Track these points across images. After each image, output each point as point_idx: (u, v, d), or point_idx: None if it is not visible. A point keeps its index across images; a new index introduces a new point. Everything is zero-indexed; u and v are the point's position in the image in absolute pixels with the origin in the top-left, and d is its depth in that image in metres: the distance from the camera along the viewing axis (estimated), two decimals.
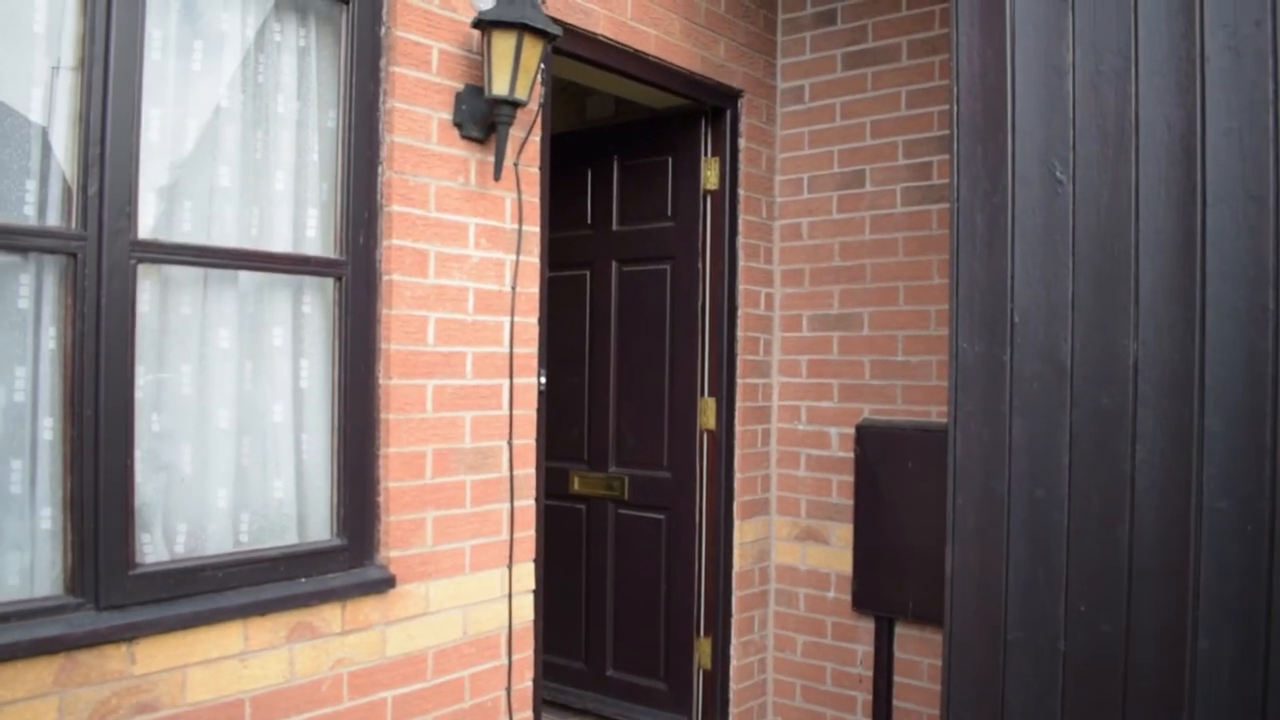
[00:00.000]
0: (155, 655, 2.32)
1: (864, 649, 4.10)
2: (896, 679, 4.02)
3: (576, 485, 4.55)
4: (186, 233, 2.53)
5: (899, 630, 4.01)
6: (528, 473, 3.20)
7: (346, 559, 2.74)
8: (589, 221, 4.55)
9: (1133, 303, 2.23)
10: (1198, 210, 2.16)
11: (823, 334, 4.25)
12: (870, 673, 4.07)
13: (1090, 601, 2.26)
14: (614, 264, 4.46)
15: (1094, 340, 2.28)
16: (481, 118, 2.96)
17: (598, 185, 4.53)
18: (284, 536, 2.68)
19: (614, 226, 4.48)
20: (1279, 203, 2.07)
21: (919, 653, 3.96)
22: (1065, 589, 2.30)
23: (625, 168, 4.46)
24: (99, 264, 2.28)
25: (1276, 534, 2.04)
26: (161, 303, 2.49)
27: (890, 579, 3.91)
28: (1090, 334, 2.28)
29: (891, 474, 3.92)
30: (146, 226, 2.41)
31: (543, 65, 3.04)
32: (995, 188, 2.42)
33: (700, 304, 4.21)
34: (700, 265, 4.22)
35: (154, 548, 2.44)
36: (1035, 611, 2.33)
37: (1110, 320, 2.26)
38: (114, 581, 2.29)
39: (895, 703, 4.02)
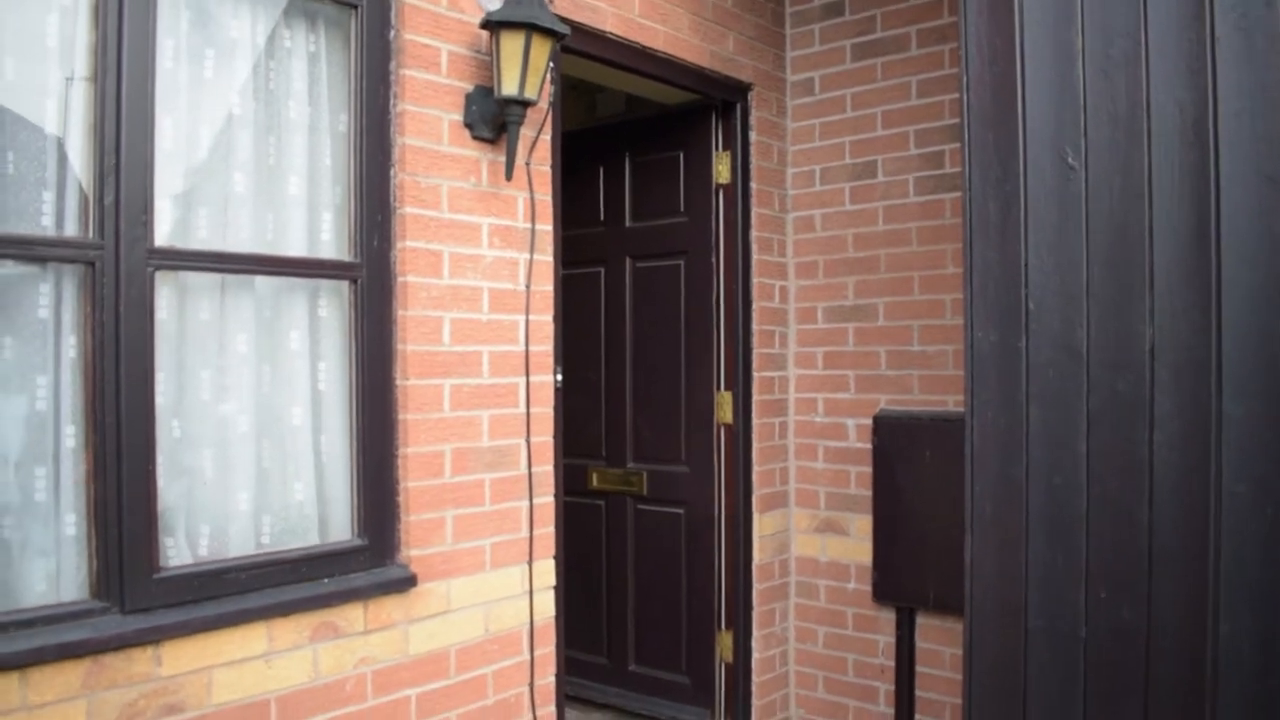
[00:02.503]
0: (181, 657, 2.34)
1: (885, 639, 4.10)
2: (919, 669, 4.02)
3: (595, 481, 4.57)
4: (202, 239, 2.55)
5: (920, 620, 4.01)
6: (546, 470, 3.22)
7: (368, 559, 2.76)
8: (602, 219, 4.56)
9: (1148, 287, 2.22)
10: (1211, 193, 2.15)
11: (838, 325, 4.25)
12: (892, 663, 4.07)
13: (1110, 588, 2.26)
14: (628, 260, 4.47)
15: (1109, 326, 2.27)
16: (492, 118, 2.97)
17: (610, 182, 4.54)
18: (305, 538, 2.71)
19: (627, 223, 4.49)
20: None
21: (941, 642, 3.96)
22: (1085, 576, 2.29)
23: (637, 164, 4.47)
24: (117, 272, 2.31)
25: None
26: (179, 309, 2.51)
27: (910, 569, 3.91)
28: (1105, 320, 2.27)
29: (909, 464, 3.92)
30: (163, 234, 2.43)
31: (551, 64, 3.05)
32: (1007, 175, 2.41)
33: (715, 298, 4.21)
34: (714, 260, 4.22)
35: (177, 551, 2.46)
36: (1055, 599, 2.33)
37: (1125, 305, 2.25)
38: (138, 585, 2.32)
39: (918, 692, 4.02)
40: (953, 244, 3.88)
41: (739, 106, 4.20)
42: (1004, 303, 2.40)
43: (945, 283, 3.94)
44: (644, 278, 4.44)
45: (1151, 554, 2.20)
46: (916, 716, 4.02)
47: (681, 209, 4.31)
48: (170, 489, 2.46)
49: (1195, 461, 2.15)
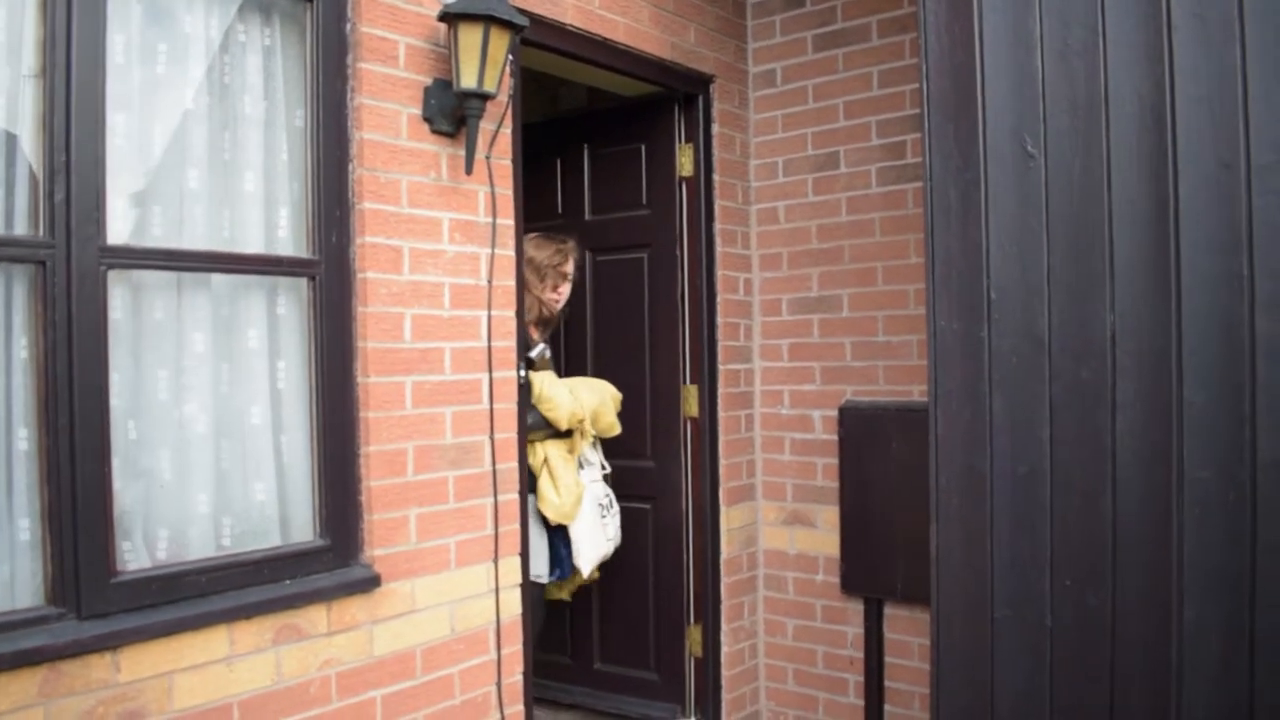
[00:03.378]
0: (140, 662, 2.30)
1: (854, 631, 4.11)
2: (887, 659, 4.03)
3: None
4: (157, 237, 2.51)
5: (888, 611, 4.02)
6: (510, 466, 3.19)
7: (331, 559, 2.72)
8: (560, 211, 4.51)
9: (1108, 274, 2.23)
10: (1170, 179, 2.16)
11: (803, 317, 4.25)
12: (861, 654, 4.08)
13: (1076, 575, 2.26)
14: (588, 254, 4.40)
15: (1071, 313, 2.28)
16: (451, 112, 2.94)
17: (570, 174, 4.50)
18: (267, 539, 2.67)
19: (587, 216, 4.45)
20: (1249, 169, 2.07)
21: (909, 632, 3.97)
22: (1051, 564, 2.30)
23: (598, 156, 4.43)
24: (68, 271, 2.26)
25: (1258, 502, 2.04)
26: (134, 308, 2.46)
27: (877, 560, 3.92)
28: (1067, 307, 2.28)
29: (875, 455, 3.92)
30: (116, 232, 2.39)
31: (511, 57, 3.02)
32: (968, 164, 2.41)
33: (679, 292, 4.20)
34: (678, 252, 4.20)
35: (135, 555, 2.42)
36: (1022, 588, 2.34)
37: (1087, 293, 2.26)
38: (95, 590, 2.27)
39: (887, 683, 4.03)
40: (916, 234, 3.89)
41: (701, 99, 4.18)
42: (966, 292, 2.40)
43: (909, 273, 3.94)
44: (606, 272, 4.40)
45: (1116, 541, 2.21)
46: (886, 707, 4.03)
47: (644, 202, 4.29)
48: (127, 491, 2.41)
49: (1158, 448, 2.16)
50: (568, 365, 4.49)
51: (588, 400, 3.74)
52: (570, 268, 3.85)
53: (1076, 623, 2.27)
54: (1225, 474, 2.08)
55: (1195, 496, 2.12)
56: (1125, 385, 2.20)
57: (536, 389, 3.60)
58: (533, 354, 3.72)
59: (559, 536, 3.70)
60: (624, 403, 4.00)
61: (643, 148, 4.28)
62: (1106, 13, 2.23)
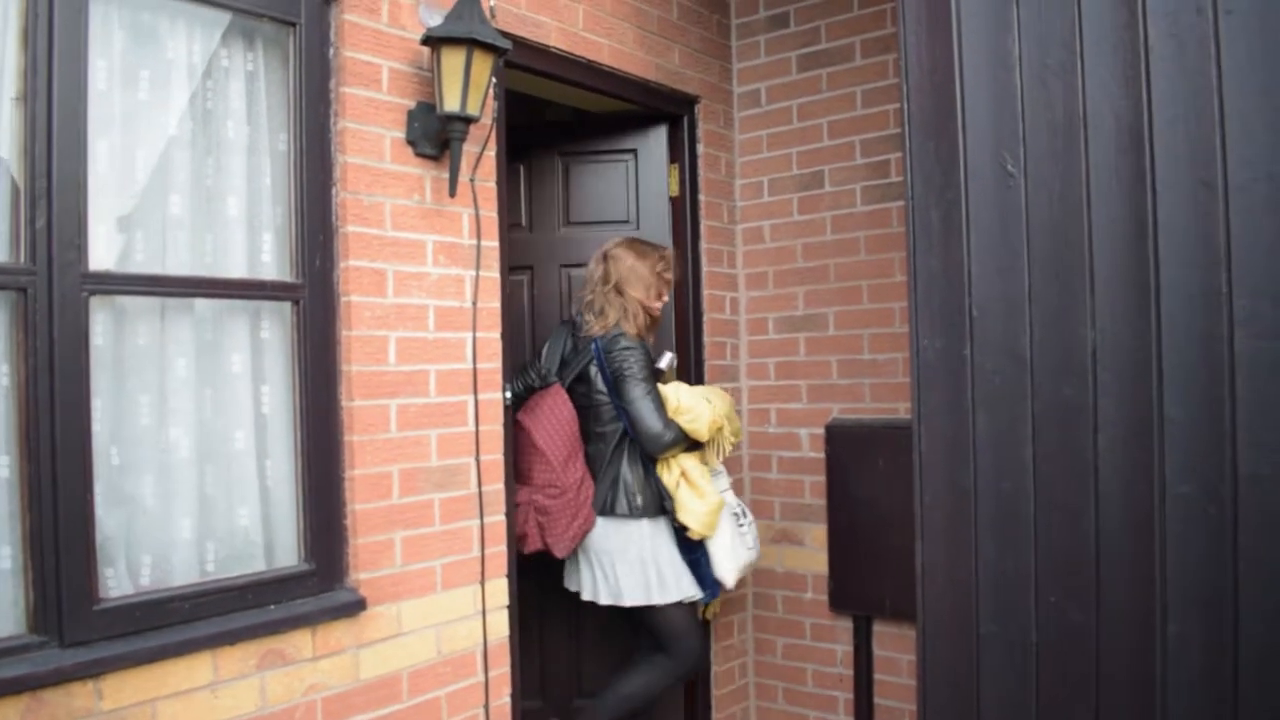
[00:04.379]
0: (123, 690, 2.29)
1: (843, 648, 4.10)
2: (877, 676, 4.03)
3: None
4: (139, 263, 2.51)
5: (877, 628, 4.02)
6: (497, 488, 3.19)
7: (315, 583, 2.71)
8: (525, 224, 4.36)
9: (1088, 292, 2.24)
10: (1148, 197, 2.17)
11: (789, 336, 4.26)
12: (851, 672, 4.08)
13: (1060, 592, 2.26)
14: (560, 270, 4.31)
15: (1052, 331, 2.28)
16: (435, 135, 2.95)
17: (551, 186, 4.37)
18: (251, 564, 2.66)
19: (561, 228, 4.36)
20: (1227, 187, 2.08)
21: (898, 649, 3.97)
22: (1035, 580, 2.30)
23: (582, 171, 4.35)
24: (50, 298, 2.26)
25: (1239, 517, 2.05)
26: (117, 334, 2.46)
27: (865, 577, 3.92)
28: (1048, 325, 2.29)
29: (862, 472, 3.93)
30: (98, 258, 2.39)
31: (494, 79, 3.03)
32: (948, 183, 2.42)
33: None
34: None
35: (118, 582, 2.41)
36: (1006, 604, 2.33)
37: (1067, 310, 2.27)
38: (78, 618, 2.26)
39: (876, 700, 4.03)
40: (900, 252, 3.90)
41: (686, 119, 4.20)
42: (948, 310, 2.41)
43: (894, 291, 3.96)
44: None
45: (1099, 557, 2.22)
46: None
47: (632, 218, 4.27)
48: (109, 518, 2.40)
49: (1139, 464, 2.17)
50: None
51: (720, 407, 3.68)
52: (672, 275, 3.80)
53: (1060, 638, 2.26)
54: (1206, 489, 2.09)
55: (1177, 512, 2.12)
56: (1106, 402, 2.21)
57: (673, 401, 3.57)
58: (662, 364, 3.73)
59: (699, 553, 3.66)
60: None
61: (629, 165, 4.26)
62: (1084, 34, 2.25)
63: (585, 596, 3.67)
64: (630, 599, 3.53)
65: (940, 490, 2.43)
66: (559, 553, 3.50)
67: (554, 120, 4.59)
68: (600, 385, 3.59)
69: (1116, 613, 2.19)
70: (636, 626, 3.74)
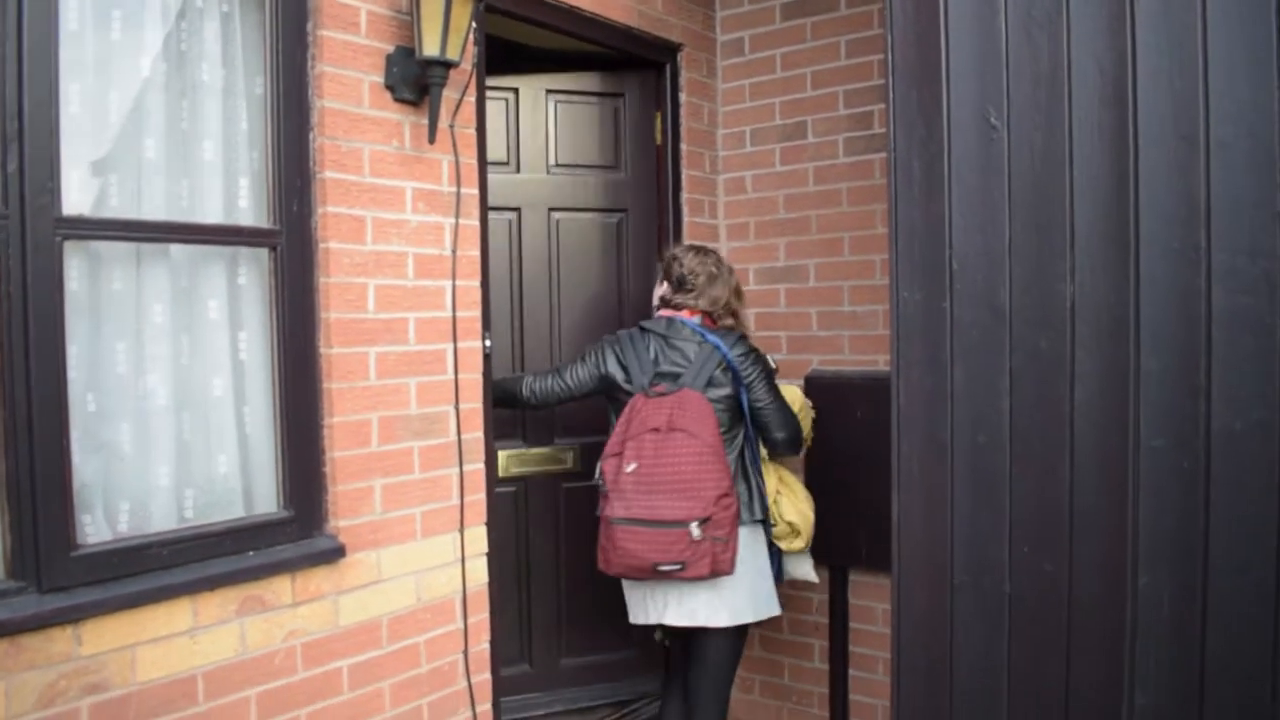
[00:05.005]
0: (102, 636, 2.29)
1: (819, 597, 4.15)
2: (852, 625, 4.08)
3: (509, 467, 4.06)
4: (114, 207, 2.48)
5: (853, 577, 4.06)
6: (476, 436, 3.19)
7: (295, 530, 2.72)
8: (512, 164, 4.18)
9: (1068, 246, 2.24)
10: (1130, 152, 2.17)
11: (770, 287, 4.26)
12: (826, 620, 4.13)
13: (1034, 543, 2.29)
14: (550, 213, 4.18)
15: (1031, 284, 2.29)
16: (414, 80, 2.91)
17: (537, 123, 4.19)
18: (230, 511, 2.66)
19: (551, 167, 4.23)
20: (1208, 143, 2.08)
21: (873, 598, 4.02)
22: (1009, 531, 2.33)
23: (571, 111, 4.22)
24: (23, 242, 2.22)
25: (1211, 470, 2.07)
26: (92, 279, 2.44)
27: (842, 527, 3.94)
28: (1028, 278, 2.30)
29: (840, 423, 3.94)
30: (71, 202, 2.35)
31: (474, 24, 2.99)
32: (931, 135, 2.42)
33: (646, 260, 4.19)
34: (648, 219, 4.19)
35: (96, 528, 2.41)
36: (981, 555, 2.36)
37: (1047, 264, 2.27)
38: (56, 564, 2.26)
39: (851, 648, 4.08)
40: (882, 204, 3.89)
41: (669, 67, 4.16)
42: (928, 262, 2.41)
43: (875, 243, 3.95)
44: (567, 231, 4.23)
45: (1073, 509, 2.24)
46: (850, 672, 4.08)
47: (621, 165, 4.24)
48: (87, 464, 2.39)
49: (1115, 418, 2.19)
50: (524, 335, 4.20)
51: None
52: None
53: (1033, 589, 2.30)
54: (1180, 443, 2.11)
55: (1150, 465, 2.15)
56: (1083, 355, 2.22)
57: (799, 401, 3.63)
58: (773, 361, 3.64)
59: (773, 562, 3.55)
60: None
61: (620, 106, 4.23)
62: None
63: (699, 622, 3.34)
64: (754, 613, 3.39)
65: (917, 442, 2.45)
66: (730, 569, 3.23)
67: (544, 49, 4.26)
68: (728, 388, 3.36)
69: (1088, 564, 2.23)
70: (689, 653, 3.52)
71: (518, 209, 4.12)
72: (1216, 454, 2.07)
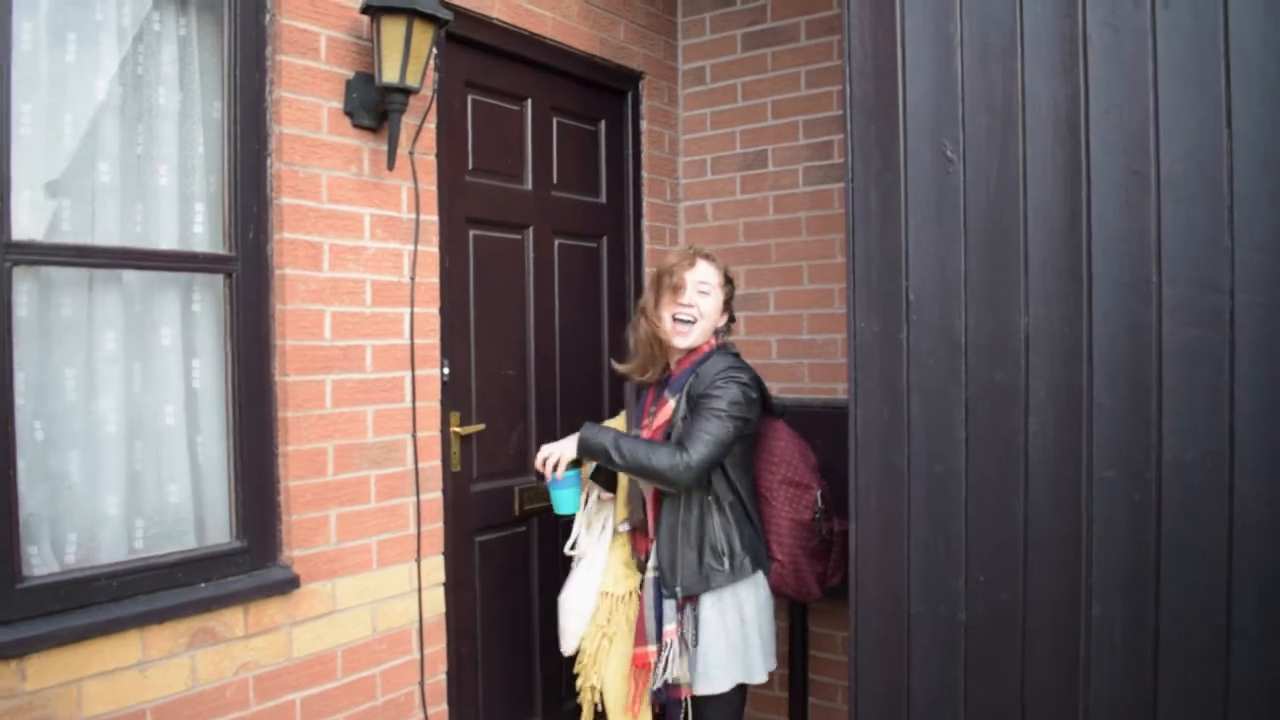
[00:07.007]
0: (47, 670, 2.24)
1: (778, 625, 4.13)
2: (810, 653, 4.07)
3: (522, 505, 3.69)
4: (66, 232, 2.45)
5: (812, 605, 4.05)
6: (433, 465, 3.16)
7: (248, 561, 2.68)
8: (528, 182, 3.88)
9: (1022, 277, 2.26)
10: (1083, 186, 2.20)
11: None
12: (786, 647, 4.11)
13: (989, 572, 2.30)
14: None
15: (986, 315, 2.31)
16: (373, 106, 2.90)
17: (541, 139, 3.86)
18: (181, 541, 2.62)
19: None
20: (1159, 177, 2.11)
21: (832, 626, 4.02)
22: (965, 561, 2.34)
23: (566, 130, 3.93)
24: None
25: (1162, 501, 2.09)
26: (42, 305, 2.40)
27: None
28: (982, 309, 2.32)
29: None
30: (22, 227, 2.32)
31: (435, 50, 2.99)
32: (888, 166, 2.44)
33: (603, 289, 4.18)
34: (610, 247, 4.17)
35: (42, 559, 2.36)
36: (937, 584, 2.37)
37: (1001, 295, 2.29)
38: (0, 597, 2.21)
39: (810, 675, 4.08)
40: (841, 233, 3.91)
41: (630, 95, 4.17)
42: (885, 293, 2.43)
43: (834, 272, 3.98)
44: (566, 257, 4.01)
45: (1027, 539, 2.26)
46: (809, 699, 4.07)
47: (600, 193, 4.19)
48: (33, 494, 2.35)
49: (1068, 448, 2.21)
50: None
51: None
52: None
53: (989, 618, 2.31)
54: (1131, 474, 2.13)
55: (1103, 495, 2.16)
56: (1038, 387, 2.24)
57: None
58: None
59: None
60: (541, 407, 3.87)
61: (599, 129, 4.20)
62: (1024, 20, 2.26)
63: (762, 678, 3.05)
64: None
65: (874, 471, 2.46)
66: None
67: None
68: None
69: (1043, 593, 2.24)
70: None
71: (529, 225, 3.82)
72: (1168, 484, 2.09)
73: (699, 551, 2.87)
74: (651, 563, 2.91)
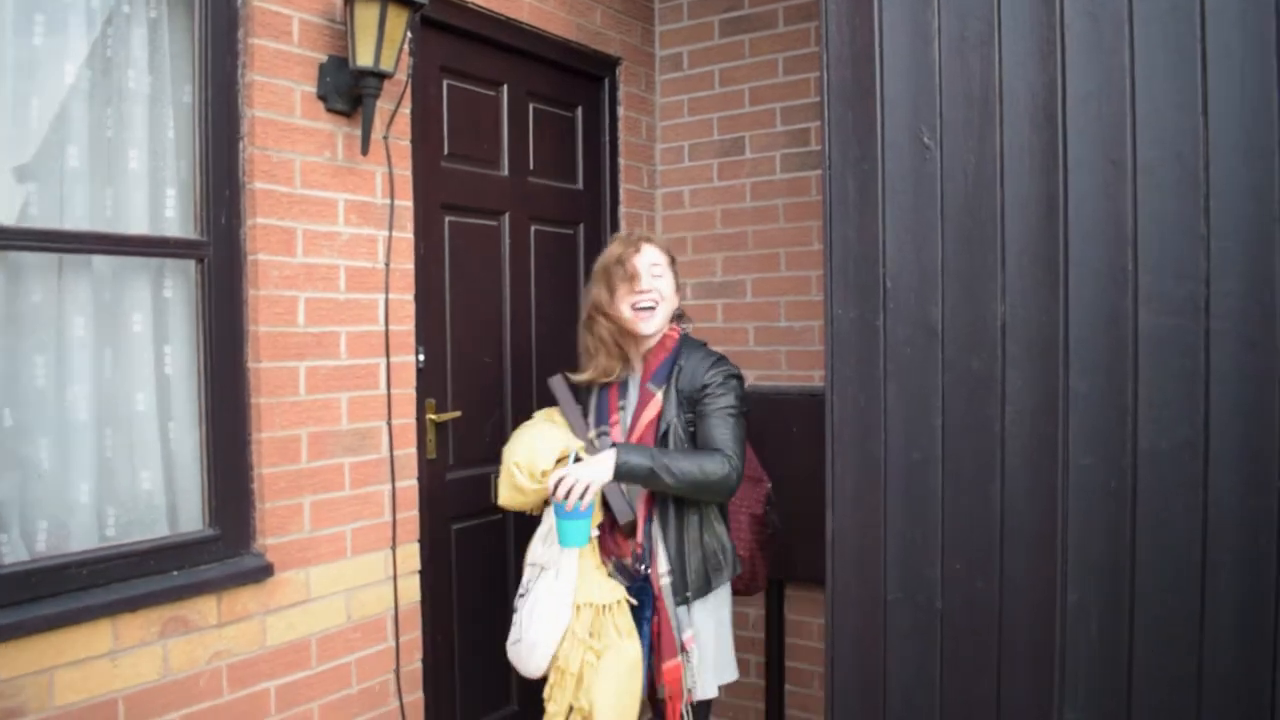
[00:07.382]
0: (18, 659, 2.22)
1: (756, 612, 4.15)
2: (788, 640, 4.08)
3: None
4: (35, 217, 2.41)
5: (789, 592, 4.06)
6: (409, 452, 3.15)
7: (221, 549, 2.66)
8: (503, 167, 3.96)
9: (999, 266, 2.26)
10: (1060, 175, 2.20)
11: (707, 302, 4.26)
12: (763, 635, 4.12)
13: (965, 560, 2.31)
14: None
15: (963, 303, 2.31)
16: (347, 90, 2.87)
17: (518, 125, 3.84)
18: (153, 529, 2.59)
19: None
20: (1135, 166, 2.12)
21: (808, 614, 4.03)
22: (941, 549, 2.34)
23: (542, 116, 3.92)
24: None
25: (1138, 489, 2.10)
26: (10, 291, 2.37)
27: (779, 542, 3.94)
28: (959, 297, 2.31)
29: (776, 439, 3.94)
30: None
31: (409, 34, 2.96)
32: (865, 154, 2.43)
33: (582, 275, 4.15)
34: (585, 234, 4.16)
35: (12, 548, 2.33)
36: (913, 571, 2.37)
37: (978, 284, 2.29)
38: None
39: (787, 663, 4.08)
40: (818, 221, 3.92)
41: (607, 81, 4.15)
42: (862, 280, 2.42)
43: (811, 259, 3.98)
44: (541, 245, 3.96)
45: (1003, 526, 2.26)
46: (786, 686, 4.08)
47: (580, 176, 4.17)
48: (2, 482, 2.33)
49: (1044, 436, 2.21)
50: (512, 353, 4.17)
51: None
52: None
53: (964, 606, 2.31)
54: (1108, 462, 2.14)
55: (1079, 483, 2.17)
56: (1014, 375, 2.24)
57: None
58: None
59: None
60: (517, 395, 3.83)
61: (576, 115, 4.17)
62: (1002, 7, 2.26)
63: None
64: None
65: (851, 459, 2.45)
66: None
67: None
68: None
69: (1019, 581, 2.24)
70: None
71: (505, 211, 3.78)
72: (1143, 473, 2.10)
73: (703, 553, 2.83)
74: (664, 567, 2.78)
